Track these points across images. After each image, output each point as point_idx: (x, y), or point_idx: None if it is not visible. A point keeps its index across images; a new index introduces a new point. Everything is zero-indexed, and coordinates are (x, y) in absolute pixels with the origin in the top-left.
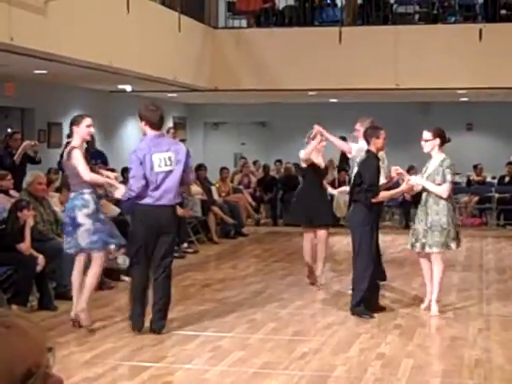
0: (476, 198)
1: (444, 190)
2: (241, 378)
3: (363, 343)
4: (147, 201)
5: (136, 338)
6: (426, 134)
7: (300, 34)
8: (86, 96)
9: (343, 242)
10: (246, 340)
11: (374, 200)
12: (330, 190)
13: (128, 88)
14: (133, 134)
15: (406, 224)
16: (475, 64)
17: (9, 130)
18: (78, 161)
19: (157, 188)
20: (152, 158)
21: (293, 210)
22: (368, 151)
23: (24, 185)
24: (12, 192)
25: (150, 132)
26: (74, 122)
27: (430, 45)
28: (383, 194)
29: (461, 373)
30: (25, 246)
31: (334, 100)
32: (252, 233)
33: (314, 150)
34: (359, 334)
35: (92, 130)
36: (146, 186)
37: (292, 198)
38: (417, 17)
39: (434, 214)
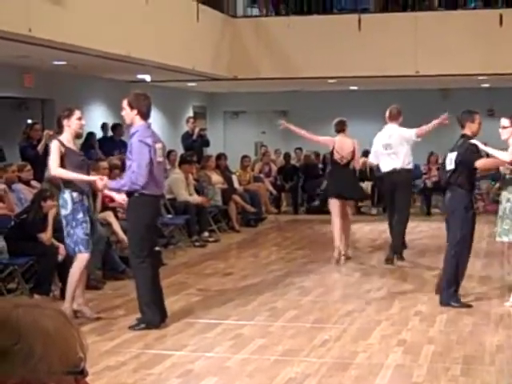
0: (498, 185)
1: None
2: (262, 366)
3: (384, 330)
4: (151, 191)
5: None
6: (505, 121)
7: (319, 22)
8: (106, 86)
9: (364, 230)
10: (267, 328)
11: (477, 165)
12: None
13: (147, 78)
14: (152, 123)
15: (428, 211)
16: (496, 50)
17: (29, 121)
18: (52, 153)
19: (155, 178)
20: (156, 147)
21: None
22: (463, 135)
23: (47, 175)
24: (33, 182)
25: (140, 121)
26: (64, 115)
27: (450, 31)
28: (485, 162)
29: (482, 359)
30: (46, 236)
31: (354, 88)
32: (273, 221)
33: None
34: (380, 321)
35: (83, 122)
36: (151, 175)
37: (313, 185)
38: (436, 3)
39: (505, 201)
